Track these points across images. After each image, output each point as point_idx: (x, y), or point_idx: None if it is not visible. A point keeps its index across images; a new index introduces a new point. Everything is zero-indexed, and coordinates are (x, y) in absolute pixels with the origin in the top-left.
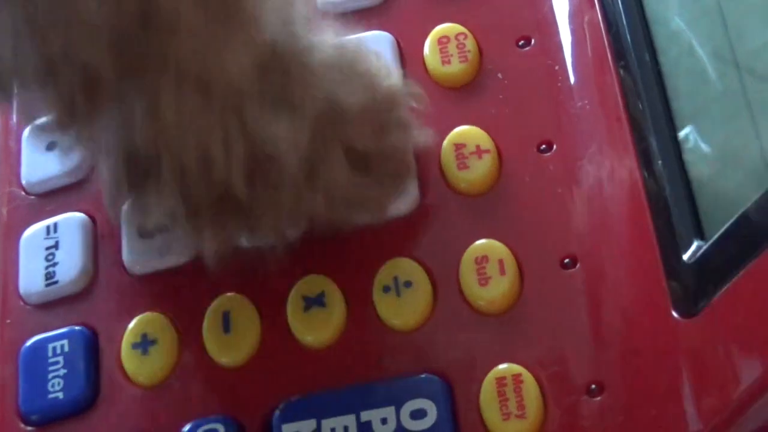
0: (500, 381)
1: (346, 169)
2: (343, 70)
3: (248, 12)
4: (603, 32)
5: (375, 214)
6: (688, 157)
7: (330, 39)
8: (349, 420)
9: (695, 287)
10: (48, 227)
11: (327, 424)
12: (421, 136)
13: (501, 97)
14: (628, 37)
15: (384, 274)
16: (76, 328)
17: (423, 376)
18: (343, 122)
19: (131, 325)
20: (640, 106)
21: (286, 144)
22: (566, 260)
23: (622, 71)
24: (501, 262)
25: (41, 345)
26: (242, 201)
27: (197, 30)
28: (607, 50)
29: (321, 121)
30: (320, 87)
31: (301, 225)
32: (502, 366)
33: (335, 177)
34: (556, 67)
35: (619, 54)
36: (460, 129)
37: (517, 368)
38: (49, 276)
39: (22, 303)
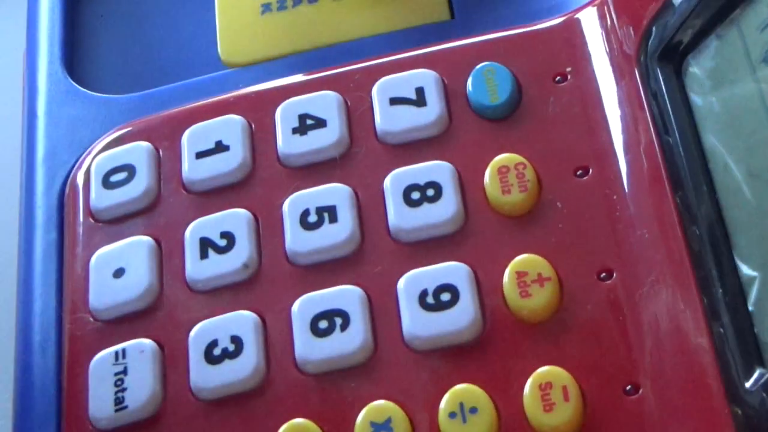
0: None
1: None
2: None
3: None
4: (660, 161)
5: None
6: (746, 284)
7: None
8: None
9: (758, 415)
10: (117, 353)
11: None
12: None
13: (561, 225)
14: (685, 167)
15: (450, 401)
16: None
17: None
18: None
19: None
20: (698, 234)
21: None
22: (628, 387)
23: (679, 200)
24: (564, 388)
25: None
26: None
27: None
28: (665, 180)
29: None
30: None
31: None
32: None
33: None
34: (614, 197)
35: (677, 183)
36: (522, 257)
37: None
38: (119, 401)
39: (91, 428)
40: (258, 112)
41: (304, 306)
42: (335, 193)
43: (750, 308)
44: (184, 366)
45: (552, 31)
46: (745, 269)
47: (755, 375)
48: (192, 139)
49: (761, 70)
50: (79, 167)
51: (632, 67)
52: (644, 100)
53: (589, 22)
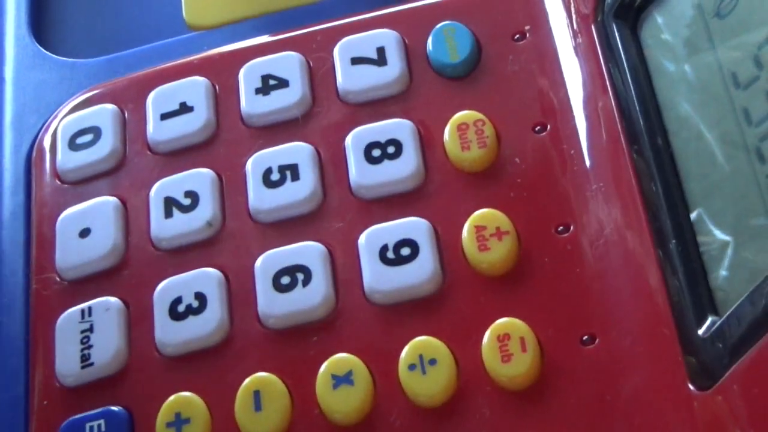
0: None
1: None
2: None
3: None
4: (616, 117)
5: None
6: (700, 235)
7: None
8: None
9: (710, 361)
10: (83, 311)
11: None
12: None
13: (519, 181)
14: (641, 121)
15: (409, 353)
16: (112, 408)
17: None
18: None
19: (165, 404)
20: (654, 188)
21: None
22: (585, 337)
23: (635, 155)
24: (522, 339)
25: (79, 424)
26: None
27: None
28: (621, 134)
29: None
30: None
31: None
32: None
33: None
34: (572, 152)
35: (633, 138)
36: (481, 212)
37: None
38: (85, 358)
39: (58, 385)
40: (222, 74)
41: (266, 262)
42: (297, 151)
43: (704, 258)
44: (149, 323)
45: None
46: (719, 234)
47: (707, 323)
48: (157, 100)
49: (713, 24)
50: (46, 130)
51: (589, 24)
52: (601, 56)
53: None
